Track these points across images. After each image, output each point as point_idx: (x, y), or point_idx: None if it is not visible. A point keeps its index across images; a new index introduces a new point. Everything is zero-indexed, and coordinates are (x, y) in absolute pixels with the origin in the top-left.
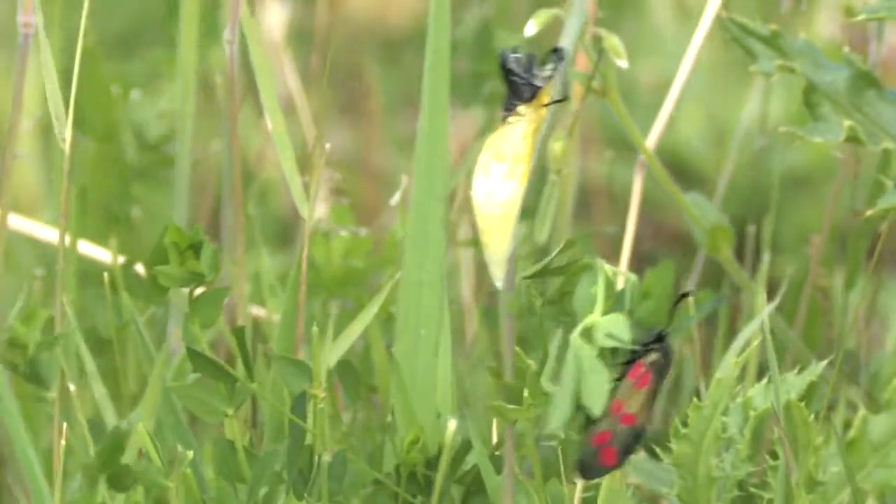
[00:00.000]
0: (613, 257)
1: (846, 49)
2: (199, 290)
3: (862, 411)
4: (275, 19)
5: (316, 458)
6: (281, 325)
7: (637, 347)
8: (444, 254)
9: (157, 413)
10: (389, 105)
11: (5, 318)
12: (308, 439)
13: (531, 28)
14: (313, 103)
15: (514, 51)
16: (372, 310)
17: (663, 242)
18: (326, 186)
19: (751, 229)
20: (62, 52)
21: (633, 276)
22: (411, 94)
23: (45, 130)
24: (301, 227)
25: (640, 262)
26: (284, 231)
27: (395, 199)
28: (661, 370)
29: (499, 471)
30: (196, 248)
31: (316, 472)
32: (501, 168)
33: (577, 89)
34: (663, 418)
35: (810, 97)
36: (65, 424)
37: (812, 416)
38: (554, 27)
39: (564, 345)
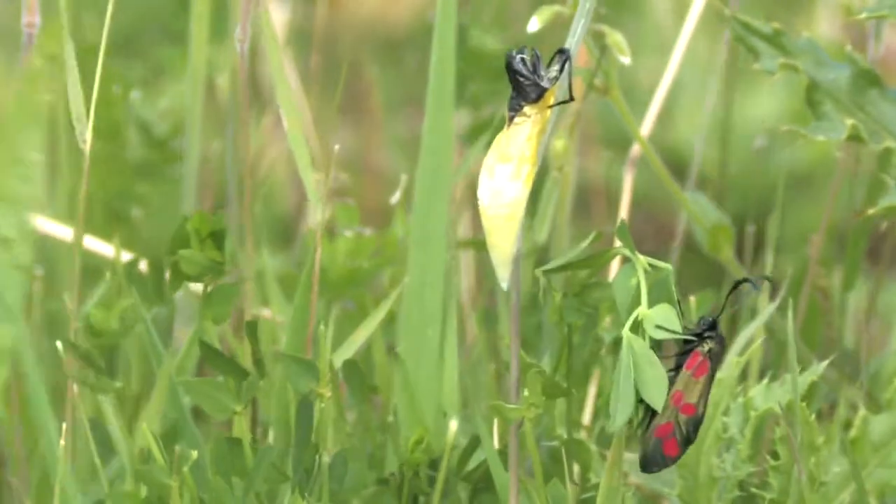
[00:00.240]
0: None
1: (848, 48)
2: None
3: (862, 411)
4: (275, 19)
5: (317, 457)
6: (291, 326)
7: (693, 337)
8: (447, 254)
9: (163, 412)
10: (389, 105)
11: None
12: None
13: (534, 24)
14: (313, 103)
15: (520, 51)
16: (379, 315)
17: (663, 242)
18: (330, 187)
19: (750, 229)
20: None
21: (669, 266)
22: (411, 94)
23: (46, 129)
24: (301, 227)
25: None
26: (285, 231)
27: (396, 198)
28: (716, 358)
29: (505, 469)
30: (218, 237)
31: (317, 472)
32: (507, 169)
33: (578, 86)
34: None
35: (813, 95)
36: (64, 425)
37: (813, 416)
38: (554, 27)
39: (586, 338)
